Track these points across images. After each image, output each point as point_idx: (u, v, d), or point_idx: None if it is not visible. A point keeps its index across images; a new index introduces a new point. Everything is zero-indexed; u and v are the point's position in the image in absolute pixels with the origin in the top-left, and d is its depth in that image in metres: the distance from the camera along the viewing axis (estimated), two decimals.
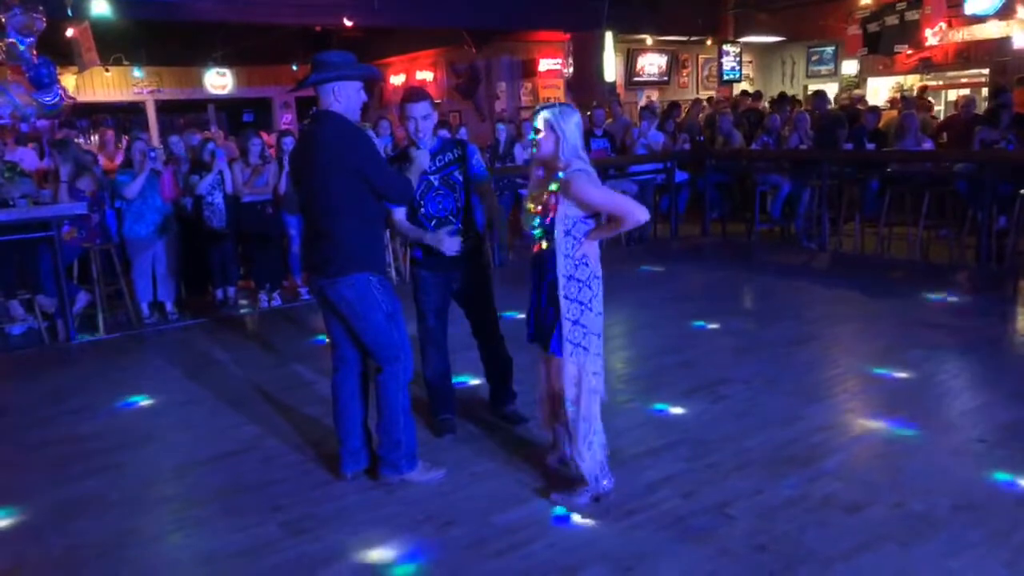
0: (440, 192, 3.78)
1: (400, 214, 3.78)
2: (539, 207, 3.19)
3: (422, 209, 3.78)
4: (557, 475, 3.49)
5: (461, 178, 3.81)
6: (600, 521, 3.14)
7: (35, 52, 7.96)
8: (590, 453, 3.21)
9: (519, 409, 4.18)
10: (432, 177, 3.76)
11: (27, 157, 8.02)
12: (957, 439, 3.79)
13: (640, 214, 3.11)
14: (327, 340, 3.62)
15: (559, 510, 3.25)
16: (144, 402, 4.86)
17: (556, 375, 3.27)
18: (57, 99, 8.17)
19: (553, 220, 3.12)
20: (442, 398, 4.08)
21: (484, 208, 3.97)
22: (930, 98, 12.82)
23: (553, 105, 3.21)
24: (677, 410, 4.23)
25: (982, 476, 3.38)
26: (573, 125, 3.10)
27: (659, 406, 4.28)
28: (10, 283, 6.20)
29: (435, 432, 4.02)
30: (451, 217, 3.80)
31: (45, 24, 7.90)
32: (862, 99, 12.85)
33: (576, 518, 3.19)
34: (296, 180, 3.49)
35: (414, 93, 3.75)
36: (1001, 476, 3.36)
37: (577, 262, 3.13)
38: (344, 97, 3.28)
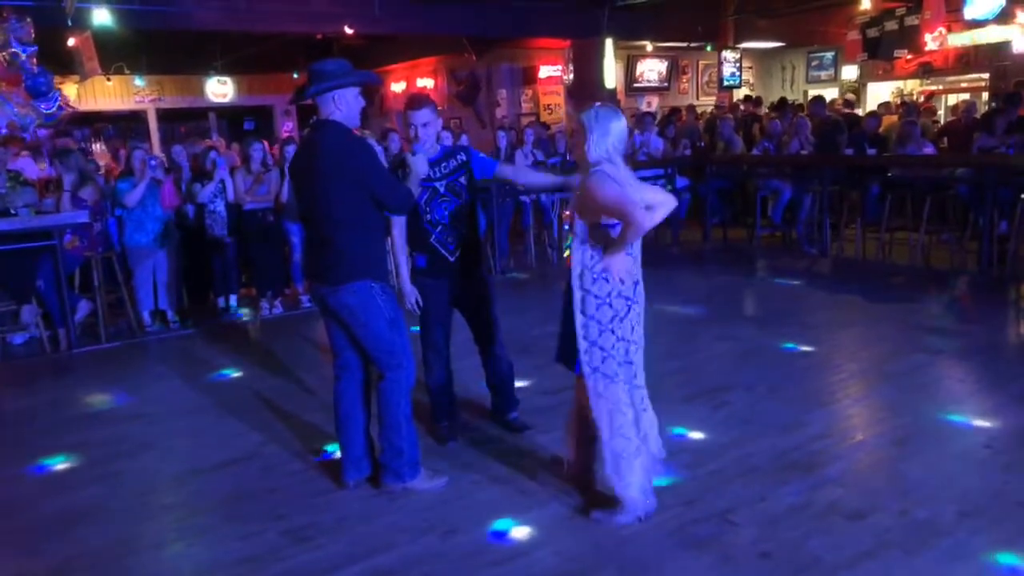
0: (445, 199, 3.79)
1: (400, 226, 3.79)
2: (567, 212, 3.01)
3: (428, 216, 3.78)
4: (588, 490, 3.37)
5: (466, 184, 3.82)
6: (603, 529, 3.13)
7: (35, 61, 7.99)
8: (622, 482, 3.05)
9: (522, 416, 4.17)
10: (437, 184, 3.77)
11: (27, 167, 8.04)
12: (961, 445, 3.78)
13: (638, 217, 2.79)
14: (329, 348, 3.61)
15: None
16: (143, 411, 4.85)
17: (582, 394, 3.11)
18: (55, 108, 8.19)
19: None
20: (444, 405, 4.08)
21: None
22: (932, 102, 12.86)
23: (596, 105, 3.03)
24: (679, 417, 4.21)
25: (987, 482, 3.36)
26: (610, 126, 2.93)
27: (661, 414, 4.26)
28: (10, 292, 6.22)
29: (437, 440, 4.02)
30: (456, 224, 3.80)
31: (33, 35, 7.95)
32: (850, 103, 12.90)
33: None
34: (297, 188, 3.49)
35: (415, 100, 3.76)
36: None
37: (596, 276, 2.92)
38: (344, 104, 3.28)
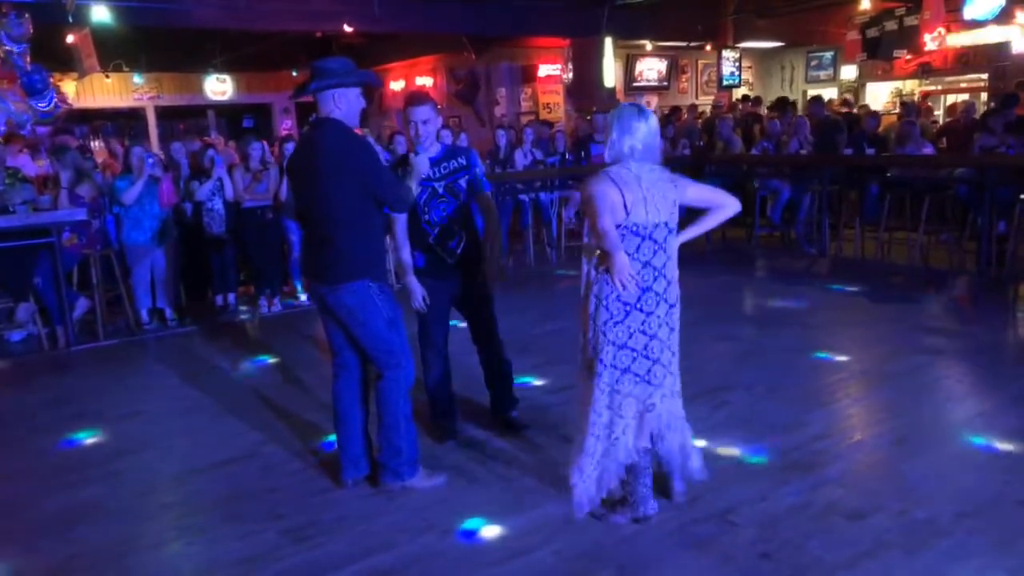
0: (444, 200, 3.78)
1: (402, 224, 3.77)
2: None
3: (426, 216, 3.77)
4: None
5: (465, 186, 3.81)
6: (602, 529, 3.13)
7: (28, 59, 7.97)
8: (580, 475, 3.00)
9: (521, 415, 4.17)
10: (436, 184, 3.76)
11: (25, 164, 8.02)
12: (961, 445, 3.78)
13: (601, 223, 2.78)
14: (328, 346, 3.60)
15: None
16: (142, 409, 4.84)
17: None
18: (52, 104, 8.17)
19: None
20: (443, 404, 4.07)
21: (484, 222, 3.92)
22: (929, 102, 12.87)
23: (622, 104, 3.03)
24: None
25: (986, 482, 3.36)
26: (633, 125, 2.88)
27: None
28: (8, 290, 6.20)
29: (436, 438, 4.01)
30: (454, 225, 3.80)
31: (31, 32, 7.93)
32: (848, 104, 12.90)
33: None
34: (295, 186, 3.48)
35: (416, 97, 3.75)
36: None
37: (597, 276, 2.92)
38: (344, 103, 3.27)
